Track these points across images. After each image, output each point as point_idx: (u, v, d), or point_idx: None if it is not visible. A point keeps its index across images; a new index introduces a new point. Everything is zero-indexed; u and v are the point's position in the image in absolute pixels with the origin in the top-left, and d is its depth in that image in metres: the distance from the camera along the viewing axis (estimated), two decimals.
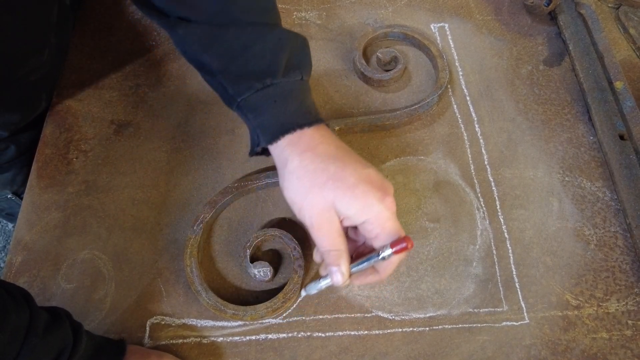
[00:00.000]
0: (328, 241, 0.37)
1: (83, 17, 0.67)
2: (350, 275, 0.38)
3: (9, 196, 0.66)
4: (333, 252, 0.37)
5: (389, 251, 0.37)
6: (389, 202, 0.37)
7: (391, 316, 0.47)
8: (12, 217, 0.70)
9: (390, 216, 0.37)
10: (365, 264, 0.38)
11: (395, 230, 0.37)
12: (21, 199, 0.66)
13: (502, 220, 0.52)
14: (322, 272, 0.41)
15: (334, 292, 0.49)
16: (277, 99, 0.39)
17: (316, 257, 0.42)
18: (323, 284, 0.41)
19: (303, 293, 0.44)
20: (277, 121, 0.39)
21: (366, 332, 0.47)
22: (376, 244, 0.38)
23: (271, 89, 0.39)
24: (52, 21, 0.54)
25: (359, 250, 0.41)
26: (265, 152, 0.42)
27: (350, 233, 0.42)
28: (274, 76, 0.39)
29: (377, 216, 0.36)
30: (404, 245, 0.36)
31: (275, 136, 0.38)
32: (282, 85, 0.39)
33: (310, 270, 0.50)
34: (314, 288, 0.41)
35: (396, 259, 0.37)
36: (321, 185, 0.36)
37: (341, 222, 0.37)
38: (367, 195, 0.36)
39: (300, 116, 0.39)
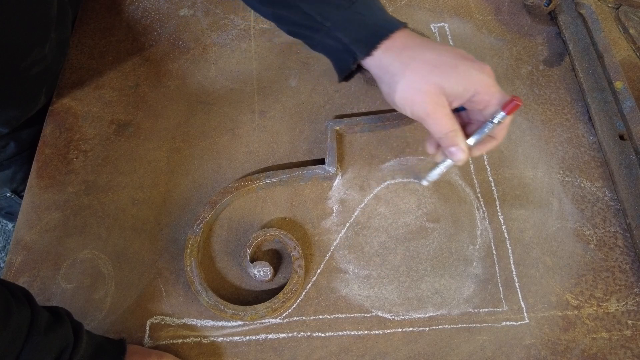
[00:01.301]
0: (444, 124, 0.40)
1: (83, 17, 0.67)
2: (470, 149, 0.42)
3: (8, 194, 0.66)
4: (450, 133, 0.40)
5: (501, 114, 0.39)
6: (488, 69, 0.40)
7: (391, 316, 0.47)
8: (11, 216, 0.70)
9: (493, 82, 0.40)
10: (480, 134, 0.41)
11: (501, 93, 0.40)
12: (20, 197, 0.66)
13: (502, 220, 0.52)
14: (439, 158, 0.44)
15: (334, 292, 0.49)
16: (362, 11, 0.41)
17: (430, 148, 0.44)
18: (442, 167, 0.44)
19: (425, 183, 0.46)
20: (372, 32, 0.41)
21: (366, 332, 0.47)
22: (487, 112, 0.41)
23: (357, 3, 0.41)
24: (52, 15, 0.54)
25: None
26: (353, 74, 0.44)
27: None
28: None
29: (483, 85, 0.39)
30: (514, 103, 0.39)
31: (373, 46, 0.41)
32: None
33: (310, 270, 0.50)
34: (435, 174, 0.45)
35: (509, 120, 0.40)
36: (427, 75, 0.39)
37: (449, 104, 0.40)
38: (469, 70, 0.39)
39: (390, 22, 0.42)
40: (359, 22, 0.41)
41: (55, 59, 0.58)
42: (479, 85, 0.39)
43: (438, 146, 0.43)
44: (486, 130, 0.41)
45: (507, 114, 0.39)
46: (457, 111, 0.44)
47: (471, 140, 0.42)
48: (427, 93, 0.39)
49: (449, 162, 0.43)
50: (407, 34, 0.41)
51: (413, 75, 0.39)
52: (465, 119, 0.44)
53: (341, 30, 0.41)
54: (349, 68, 0.43)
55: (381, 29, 0.41)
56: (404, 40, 0.41)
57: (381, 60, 0.41)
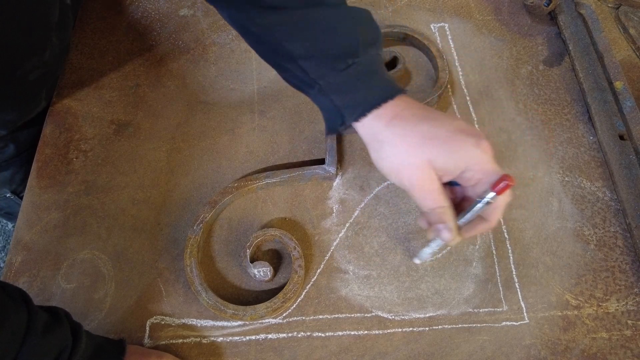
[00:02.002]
0: (431, 200, 0.38)
1: (83, 17, 0.67)
2: (459, 229, 0.39)
3: (7, 195, 0.66)
4: (437, 209, 0.38)
5: (491, 194, 0.36)
6: (484, 145, 0.37)
7: (391, 316, 0.47)
8: (10, 216, 0.70)
9: (489, 159, 0.37)
10: (470, 214, 0.38)
11: (496, 171, 0.37)
12: (20, 198, 0.67)
13: (502, 220, 0.51)
14: (430, 235, 0.41)
15: (334, 292, 0.49)
16: (360, 76, 0.39)
17: (422, 222, 0.42)
18: (434, 245, 0.41)
19: (417, 261, 0.44)
20: (363, 98, 0.39)
21: (366, 332, 0.47)
22: (479, 189, 0.38)
23: (353, 67, 0.39)
24: (53, 21, 0.54)
25: (458, 209, 0.41)
26: (343, 128, 0.42)
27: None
28: (355, 54, 0.39)
29: (476, 161, 0.37)
30: (504, 184, 0.35)
31: (363, 113, 0.39)
32: (363, 63, 0.40)
33: (310, 270, 0.50)
34: (426, 253, 0.42)
35: (502, 200, 0.37)
36: (415, 146, 0.37)
37: (440, 178, 0.38)
38: (463, 144, 0.36)
39: (384, 90, 0.40)
40: (352, 86, 0.39)
41: (55, 64, 0.58)
42: (471, 161, 0.36)
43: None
44: (475, 210, 0.38)
45: (497, 194, 0.36)
46: (452, 185, 0.41)
47: (459, 221, 0.39)
48: (415, 166, 0.37)
49: (439, 241, 0.40)
50: (401, 102, 0.39)
51: (401, 146, 0.37)
52: (460, 195, 0.41)
53: (334, 92, 0.40)
54: (337, 129, 0.41)
55: (373, 96, 0.39)
56: (396, 108, 0.39)
57: (371, 128, 0.39)
